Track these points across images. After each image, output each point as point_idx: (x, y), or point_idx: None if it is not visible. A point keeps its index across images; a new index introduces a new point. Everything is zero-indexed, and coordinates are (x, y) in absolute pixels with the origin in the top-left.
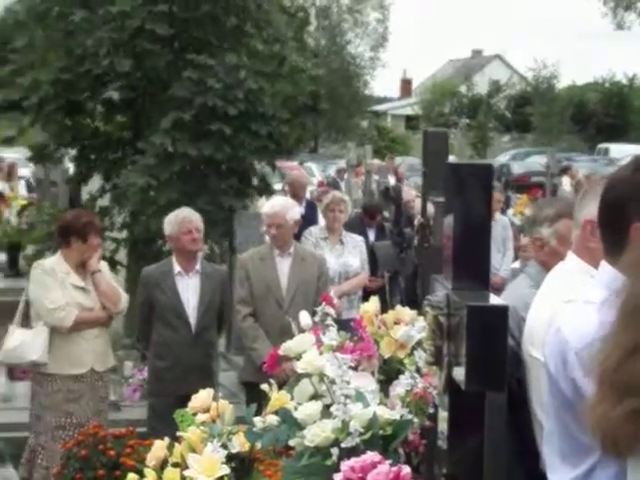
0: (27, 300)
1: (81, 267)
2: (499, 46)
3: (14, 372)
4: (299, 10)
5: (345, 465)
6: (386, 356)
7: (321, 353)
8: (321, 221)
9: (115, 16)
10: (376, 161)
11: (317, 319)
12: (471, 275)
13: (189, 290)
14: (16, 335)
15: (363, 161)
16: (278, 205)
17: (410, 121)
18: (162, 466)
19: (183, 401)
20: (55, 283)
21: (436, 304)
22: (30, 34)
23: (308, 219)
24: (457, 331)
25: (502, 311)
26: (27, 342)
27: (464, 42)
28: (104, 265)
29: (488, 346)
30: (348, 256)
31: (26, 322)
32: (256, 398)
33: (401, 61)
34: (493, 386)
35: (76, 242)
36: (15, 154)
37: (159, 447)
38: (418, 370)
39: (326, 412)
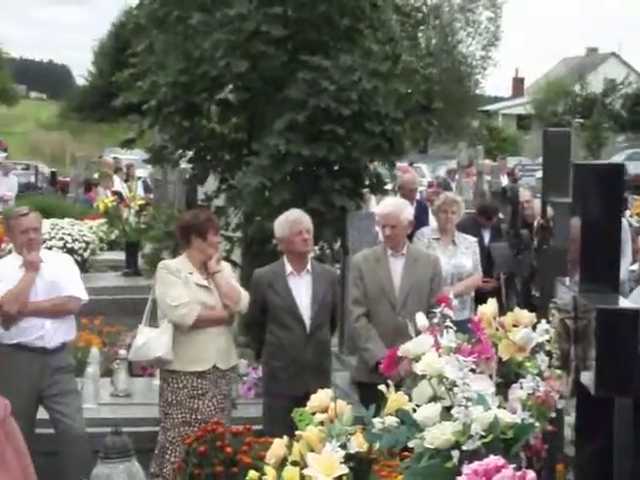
0: (154, 299)
1: (204, 266)
2: (615, 44)
3: (133, 369)
4: (413, 10)
5: (468, 468)
6: (504, 359)
7: (440, 355)
8: (432, 222)
9: (232, 19)
10: (488, 161)
11: (436, 320)
12: (599, 278)
13: (301, 290)
14: (144, 333)
15: (475, 161)
16: (392, 205)
17: (522, 121)
18: (281, 464)
19: (299, 401)
20: (178, 282)
21: (563, 307)
22: (150, 38)
23: (419, 220)
24: (585, 334)
25: (633, 314)
26: (153, 339)
27: (578, 40)
28: (226, 265)
29: (618, 350)
30: (461, 257)
31: (154, 321)
32: (370, 398)
33: (513, 60)
34: (623, 391)
35: (196, 240)
36: (131, 155)
37: (278, 445)
38: (540, 373)
39: (446, 414)
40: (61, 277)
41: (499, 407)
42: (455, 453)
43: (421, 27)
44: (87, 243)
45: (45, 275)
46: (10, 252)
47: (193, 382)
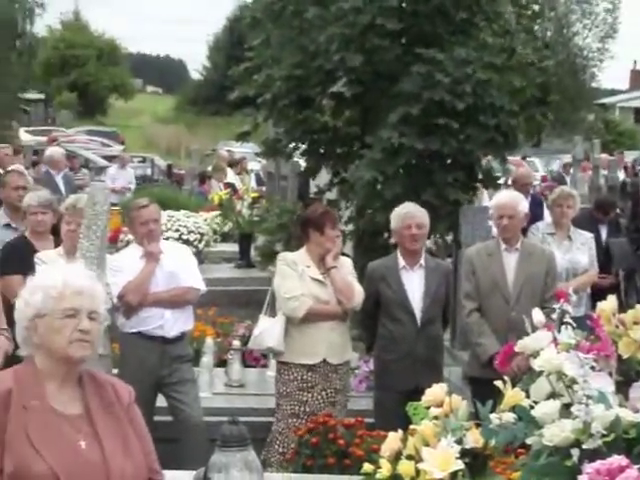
0: (273, 290)
1: (322, 261)
2: None
3: (247, 359)
4: (530, 2)
5: (590, 467)
6: (624, 356)
7: (558, 351)
8: (547, 217)
9: (347, 12)
10: (604, 155)
11: (554, 316)
12: None
13: (414, 284)
14: (260, 323)
15: (591, 155)
16: (508, 196)
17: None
18: (396, 458)
19: (409, 395)
20: (294, 274)
21: None
22: (265, 32)
23: (534, 214)
24: None
25: None
26: (267, 329)
27: None
28: (346, 260)
29: None
30: (576, 252)
31: (273, 311)
32: (482, 394)
33: (631, 52)
34: None
35: (314, 234)
36: (243, 149)
37: (393, 439)
38: None
39: (565, 411)
40: (180, 268)
41: (620, 406)
42: (575, 451)
43: (537, 20)
44: (202, 235)
45: (165, 266)
46: (128, 243)
47: (303, 375)
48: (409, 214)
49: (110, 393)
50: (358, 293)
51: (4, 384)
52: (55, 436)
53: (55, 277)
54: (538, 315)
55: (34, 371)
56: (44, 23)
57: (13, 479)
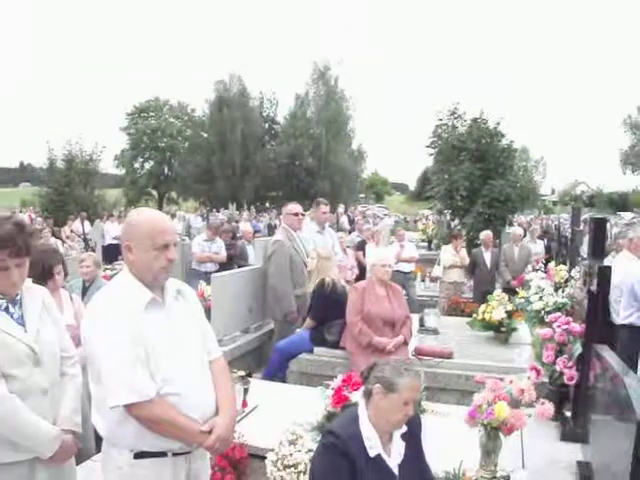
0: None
1: (456, 248)
2: None
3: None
4: (521, 165)
5: (549, 316)
6: (556, 280)
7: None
8: (528, 235)
9: (457, 171)
10: (543, 216)
11: (536, 268)
12: None
13: (488, 256)
14: (435, 268)
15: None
16: (516, 228)
17: None
18: (482, 312)
19: (486, 293)
20: (446, 252)
21: None
22: (437, 176)
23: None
24: None
25: None
26: (436, 269)
27: None
28: (464, 250)
29: None
30: (536, 247)
31: (439, 265)
32: (508, 292)
33: (551, 182)
34: None
35: (453, 239)
36: (427, 212)
37: (483, 307)
38: None
39: (540, 298)
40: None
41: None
42: (543, 312)
43: (524, 169)
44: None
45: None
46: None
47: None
48: (488, 234)
49: (396, 290)
50: (467, 260)
51: (363, 285)
52: (377, 301)
53: (383, 252)
54: (529, 268)
55: (372, 283)
56: None
57: (365, 315)
